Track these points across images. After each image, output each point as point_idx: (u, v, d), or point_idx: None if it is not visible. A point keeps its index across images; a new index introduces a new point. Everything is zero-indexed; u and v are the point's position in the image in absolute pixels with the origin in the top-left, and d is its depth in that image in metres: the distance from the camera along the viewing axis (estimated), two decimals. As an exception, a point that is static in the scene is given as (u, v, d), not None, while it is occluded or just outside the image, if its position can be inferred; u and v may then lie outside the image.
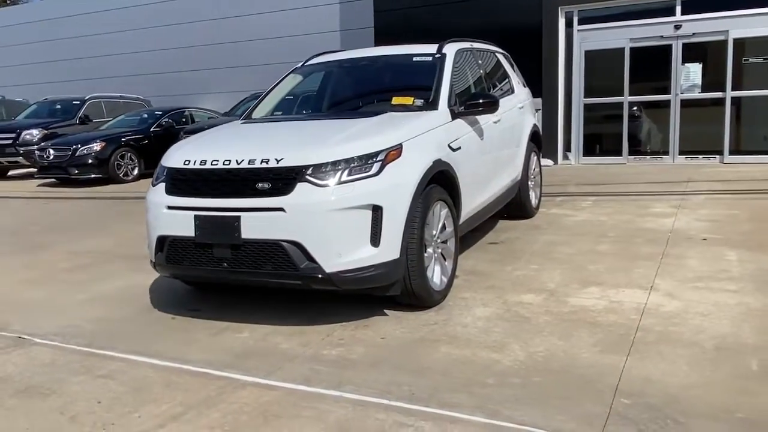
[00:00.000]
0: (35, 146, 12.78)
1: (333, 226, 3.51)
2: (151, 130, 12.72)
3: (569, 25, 11.76)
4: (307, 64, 5.52)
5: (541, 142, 6.90)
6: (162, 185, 3.97)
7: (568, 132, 11.98)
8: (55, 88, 18.78)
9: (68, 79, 19.50)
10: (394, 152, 3.74)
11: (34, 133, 13.56)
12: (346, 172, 3.58)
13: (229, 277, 3.81)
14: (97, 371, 3.37)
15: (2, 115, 16.73)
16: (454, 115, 4.56)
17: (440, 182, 4.14)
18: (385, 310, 4.02)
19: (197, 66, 17.00)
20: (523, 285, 4.41)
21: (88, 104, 14.79)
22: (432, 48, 5.03)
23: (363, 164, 3.62)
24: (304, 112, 5.15)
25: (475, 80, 5.39)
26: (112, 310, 4.41)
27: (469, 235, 5.66)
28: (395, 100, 4.59)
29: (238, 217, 3.59)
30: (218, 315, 4.13)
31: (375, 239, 3.59)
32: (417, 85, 4.85)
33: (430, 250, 4.03)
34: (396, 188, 3.66)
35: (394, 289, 3.80)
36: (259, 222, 3.56)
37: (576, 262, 4.91)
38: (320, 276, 3.55)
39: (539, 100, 11.74)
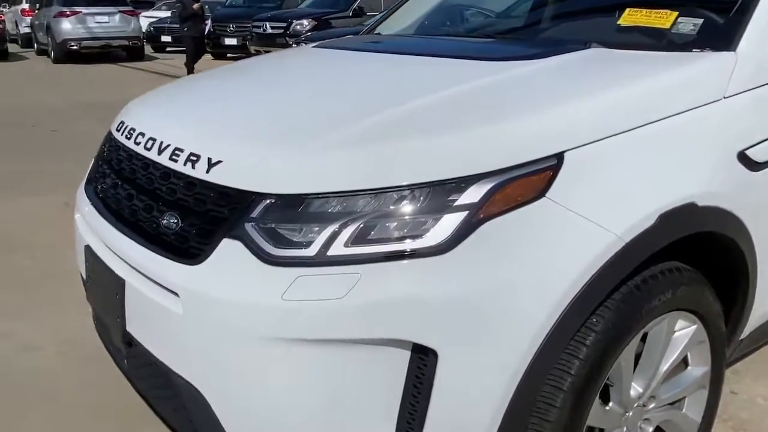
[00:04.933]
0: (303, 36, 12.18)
1: (285, 383, 1.23)
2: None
3: None
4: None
5: None
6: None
7: None
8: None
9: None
10: (520, 182, 1.23)
11: (305, 24, 13.02)
12: (358, 226, 1.22)
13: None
14: None
15: (297, 2, 16.61)
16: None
17: (686, 257, 1.51)
18: None
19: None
20: None
21: (364, -5, 13.61)
22: None
23: (415, 212, 1.22)
24: (455, 28, 2.68)
25: None
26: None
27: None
28: (628, 17, 1.87)
29: (123, 284, 1.53)
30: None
31: (407, 425, 1.25)
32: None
33: (614, 436, 1.52)
34: (501, 296, 1.18)
35: None
36: (145, 307, 1.46)
37: None
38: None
39: None
